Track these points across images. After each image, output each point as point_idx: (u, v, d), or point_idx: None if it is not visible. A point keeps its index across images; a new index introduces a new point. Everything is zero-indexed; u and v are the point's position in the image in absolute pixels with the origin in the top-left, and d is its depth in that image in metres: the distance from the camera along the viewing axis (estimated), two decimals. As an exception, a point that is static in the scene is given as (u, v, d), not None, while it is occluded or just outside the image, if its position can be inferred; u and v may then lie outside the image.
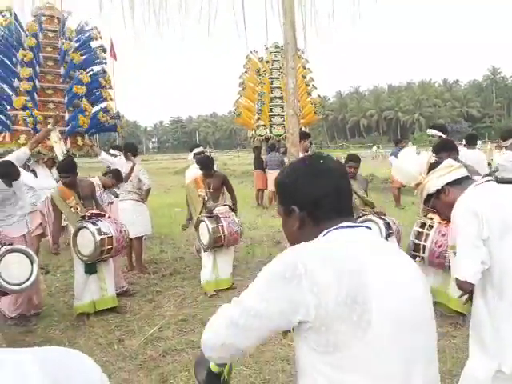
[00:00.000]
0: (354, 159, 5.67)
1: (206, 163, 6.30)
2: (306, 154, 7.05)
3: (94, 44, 10.13)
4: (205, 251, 6.02)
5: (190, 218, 6.32)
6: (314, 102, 15.95)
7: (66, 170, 5.39)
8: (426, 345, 1.28)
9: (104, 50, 10.27)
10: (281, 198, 1.45)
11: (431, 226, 4.45)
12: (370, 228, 1.36)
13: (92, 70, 10.02)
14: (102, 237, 5.04)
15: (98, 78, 9.81)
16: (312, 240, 1.32)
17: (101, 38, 10.14)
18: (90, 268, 5.23)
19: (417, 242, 4.50)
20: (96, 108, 9.85)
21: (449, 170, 2.38)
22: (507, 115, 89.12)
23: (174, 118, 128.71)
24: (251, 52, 16.04)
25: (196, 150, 7.61)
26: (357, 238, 1.30)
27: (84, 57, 9.74)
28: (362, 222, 5.34)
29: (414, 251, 4.51)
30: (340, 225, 1.32)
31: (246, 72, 16.47)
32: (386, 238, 5.16)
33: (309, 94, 16.16)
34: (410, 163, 2.52)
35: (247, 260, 7.48)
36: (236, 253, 7.44)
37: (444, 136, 6.71)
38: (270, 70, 16.10)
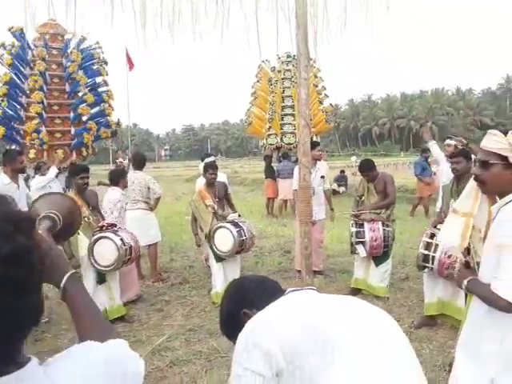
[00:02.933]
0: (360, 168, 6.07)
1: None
2: (317, 162, 7.01)
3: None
4: (218, 261, 5.90)
5: (196, 232, 6.30)
6: (325, 111, 15.93)
7: (86, 169, 5.41)
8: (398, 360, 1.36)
9: (106, 63, 10.63)
10: (232, 324, 1.61)
11: (441, 237, 4.40)
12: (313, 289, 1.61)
13: (94, 80, 10.43)
14: (125, 247, 5.09)
15: (102, 94, 10.30)
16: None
17: (103, 52, 10.55)
18: (101, 278, 5.25)
19: (426, 252, 4.46)
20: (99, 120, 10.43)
21: None
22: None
23: (186, 125, 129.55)
24: (263, 61, 16.07)
25: (207, 160, 7.59)
26: (309, 298, 1.55)
27: (88, 74, 10.32)
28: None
29: (423, 262, 4.47)
30: (286, 292, 1.58)
31: (257, 81, 16.51)
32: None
33: (320, 102, 16.14)
34: None
35: (256, 270, 7.45)
36: (245, 262, 7.45)
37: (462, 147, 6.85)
38: (282, 79, 16.12)
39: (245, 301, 1.59)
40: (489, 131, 2.24)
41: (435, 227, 4.69)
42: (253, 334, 1.35)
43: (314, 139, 13.77)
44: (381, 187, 5.83)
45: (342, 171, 19.51)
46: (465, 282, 2.28)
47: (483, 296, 2.16)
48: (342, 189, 17.61)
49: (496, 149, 2.13)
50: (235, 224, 5.85)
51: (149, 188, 6.87)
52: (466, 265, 2.64)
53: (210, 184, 6.20)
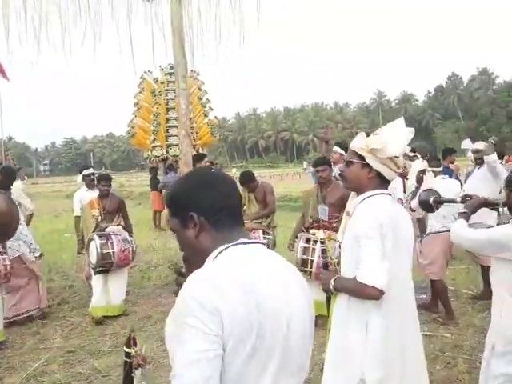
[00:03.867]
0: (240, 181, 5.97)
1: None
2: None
3: None
4: (94, 273, 5.75)
5: (82, 243, 6.10)
6: (210, 124, 16.09)
7: None
8: (299, 356, 1.36)
9: None
10: (176, 207, 1.42)
11: (315, 241, 4.63)
12: (264, 244, 1.47)
13: None
14: None
15: None
16: (212, 248, 1.34)
17: None
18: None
19: (304, 257, 4.65)
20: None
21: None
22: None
23: (67, 138, 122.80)
24: (145, 72, 15.85)
25: (86, 172, 7.29)
26: (252, 257, 1.34)
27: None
28: None
29: (302, 266, 4.65)
30: (237, 241, 1.35)
31: (140, 92, 16.22)
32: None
33: (205, 115, 16.28)
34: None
35: (142, 285, 7.26)
36: (130, 277, 7.21)
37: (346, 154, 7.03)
38: (166, 90, 16.00)
39: (199, 205, 1.36)
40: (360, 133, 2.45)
41: (307, 231, 4.94)
42: (208, 298, 1.16)
43: (201, 152, 13.83)
44: (261, 197, 6.00)
45: (229, 182, 19.82)
46: (331, 281, 2.32)
47: (351, 289, 2.24)
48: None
49: (357, 148, 2.32)
50: (105, 236, 5.70)
51: (19, 204, 6.43)
52: (325, 267, 2.77)
53: (102, 196, 6.03)
